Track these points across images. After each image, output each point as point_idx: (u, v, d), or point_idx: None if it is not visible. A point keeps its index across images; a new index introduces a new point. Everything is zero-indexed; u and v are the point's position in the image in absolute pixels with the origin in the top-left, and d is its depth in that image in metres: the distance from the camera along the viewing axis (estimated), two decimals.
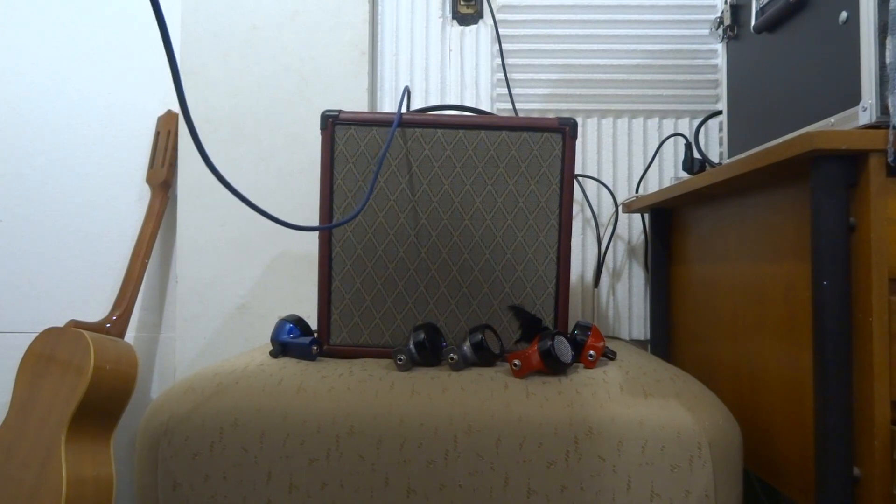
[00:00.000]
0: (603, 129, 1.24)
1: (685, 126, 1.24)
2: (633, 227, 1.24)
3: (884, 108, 0.59)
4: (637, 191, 1.23)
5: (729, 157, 0.95)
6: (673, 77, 1.23)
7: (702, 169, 1.06)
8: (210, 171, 0.56)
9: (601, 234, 1.24)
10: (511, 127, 0.84)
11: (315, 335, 0.89)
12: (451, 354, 0.76)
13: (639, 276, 1.23)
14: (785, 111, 0.78)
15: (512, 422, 0.64)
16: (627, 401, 0.66)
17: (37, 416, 1.09)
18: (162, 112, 1.34)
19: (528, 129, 0.84)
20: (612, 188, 1.24)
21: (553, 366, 0.72)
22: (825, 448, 0.60)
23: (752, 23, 0.85)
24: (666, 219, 1.11)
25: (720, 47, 1.14)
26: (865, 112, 0.61)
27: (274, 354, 0.84)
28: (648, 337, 1.20)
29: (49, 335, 1.15)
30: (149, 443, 0.66)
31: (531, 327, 0.79)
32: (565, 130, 0.84)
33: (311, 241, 1.22)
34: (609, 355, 0.84)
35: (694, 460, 0.63)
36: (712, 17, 1.24)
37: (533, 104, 1.24)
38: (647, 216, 1.23)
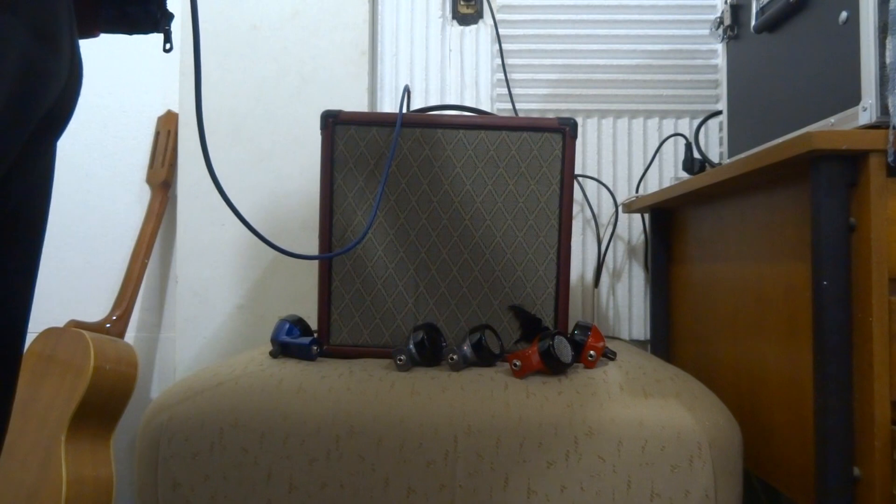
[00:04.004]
0: (603, 129, 1.24)
1: (685, 126, 1.24)
2: (633, 227, 1.24)
3: (884, 108, 0.59)
4: (637, 191, 1.23)
5: (729, 157, 0.94)
6: (673, 77, 1.23)
7: (702, 169, 1.06)
8: (215, 186, 0.56)
9: (601, 234, 1.24)
10: (511, 127, 0.84)
11: (315, 335, 0.89)
12: (451, 354, 0.76)
13: (639, 276, 1.23)
14: (785, 111, 0.78)
15: (512, 422, 0.64)
16: (627, 401, 0.66)
17: (37, 416, 1.09)
18: (162, 112, 1.34)
19: (528, 129, 0.84)
20: (612, 188, 1.24)
21: (553, 366, 0.72)
22: (825, 448, 0.60)
23: (752, 23, 0.85)
24: (666, 219, 1.11)
25: (720, 47, 1.14)
26: (865, 112, 0.61)
27: (274, 354, 0.84)
28: (648, 337, 1.20)
29: (49, 335, 1.15)
30: (149, 443, 0.66)
31: (531, 327, 0.79)
32: (565, 130, 0.83)
33: (311, 240, 1.22)
34: (609, 355, 0.84)
35: (694, 460, 0.63)
36: (712, 17, 1.24)
37: (533, 104, 1.24)
38: (647, 216, 1.23)
